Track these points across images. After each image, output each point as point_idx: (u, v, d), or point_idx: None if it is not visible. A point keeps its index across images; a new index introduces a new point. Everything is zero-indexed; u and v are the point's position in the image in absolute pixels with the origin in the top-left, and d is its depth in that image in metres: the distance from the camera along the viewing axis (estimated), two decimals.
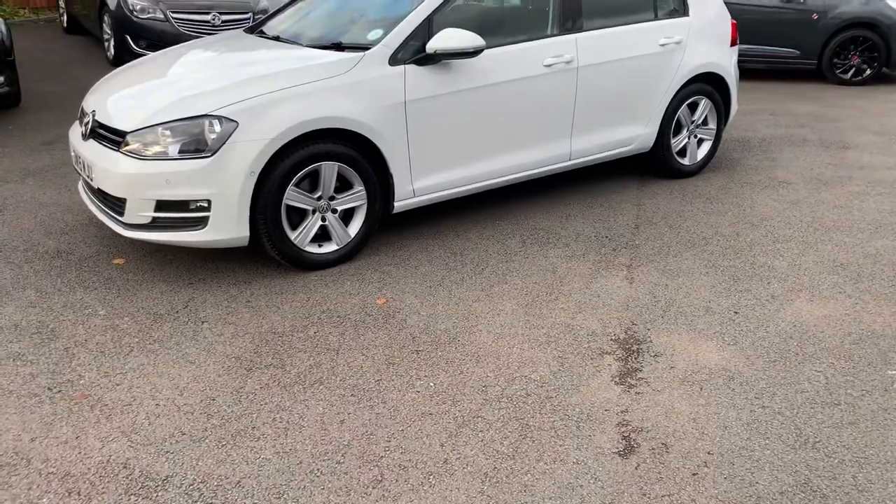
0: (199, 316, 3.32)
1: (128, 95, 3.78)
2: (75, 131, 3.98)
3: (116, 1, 8.34)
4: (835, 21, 8.72)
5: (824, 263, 3.89)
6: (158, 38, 8.12)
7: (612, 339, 3.14)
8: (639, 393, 2.76)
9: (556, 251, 4.02)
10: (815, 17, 8.77)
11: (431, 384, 2.81)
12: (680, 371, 2.91)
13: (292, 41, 4.19)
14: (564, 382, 2.82)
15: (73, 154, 3.94)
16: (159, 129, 3.44)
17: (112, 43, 8.57)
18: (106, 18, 8.65)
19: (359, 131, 3.65)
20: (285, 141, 3.46)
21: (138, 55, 7.68)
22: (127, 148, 3.47)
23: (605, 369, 2.92)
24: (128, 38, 8.30)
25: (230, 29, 7.83)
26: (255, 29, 4.72)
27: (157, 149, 3.42)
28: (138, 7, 8.23)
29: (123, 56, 8.15)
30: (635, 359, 2.99)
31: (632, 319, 3.31)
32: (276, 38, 4.32)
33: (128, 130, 3.49)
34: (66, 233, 4.17)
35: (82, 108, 4.01)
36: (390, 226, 4.31)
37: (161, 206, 3.44)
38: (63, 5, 11.04)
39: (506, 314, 3.34)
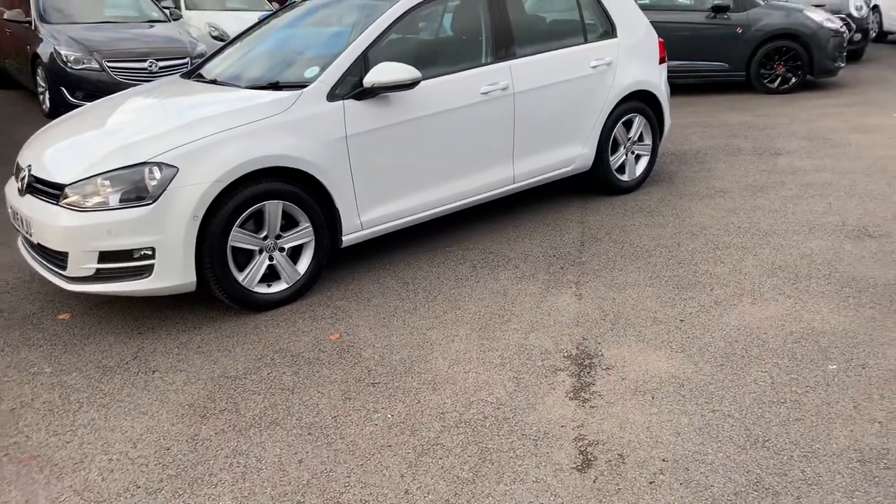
0: (150, 365, 3.27)
1: (64, 147, 3.73)
2: (11, 187, 3.91)
3: (50, 52, 8.23)
4: (759, 34, 9.08)
5: (763, 267, 4.02)
6: (95, 88, 8.02)
7: (564, 356, 3.18)
8: (593, 407, 2.81)
9: (507, 273, 4.07)
10: (739, 30, 9.12)
11: (389, 415, 2.81)
12: (631, 382, 2.97)
13: (230, 83, 4.20)
14: (521, 402, 2.86)
15: (10, 210, 3.87)
16: (98, 179, 3.41)
17: (47, 95, 8.44)
18: (39, 71, 8.53)
19: (301, 168, 3.67)
20: (227, 183, 3.46)
21: (75, 106, 7.58)
22: (66, 201, 3.42)
23: (560, 386, 2.96)
24: (63, 89, 8.18)
25: (168, 75, 7.80)
26: (193, 73, 4.71)
27: (97, 199, 3.38)
28: (72, 58, 8.14)
29: (59, 108, 8.03)
30: (588, 373, 3.04)
31: (582, 335, 3.37)
32: (214, 81, 4.32)
33: (66, 183, 3.45)
34: (6, 292, 4.08)
35: (17, 164, 3.95)
36: (341, 259, 4.32)
37: (104, 257, 3.40)
38: None
39: (460, 339, 3.37)
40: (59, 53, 8.16)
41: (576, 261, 4.21)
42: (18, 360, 3.35)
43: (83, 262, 3.41)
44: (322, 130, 3.75)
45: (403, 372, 3.11)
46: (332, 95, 3.81)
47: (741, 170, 5.92)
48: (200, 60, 5.06)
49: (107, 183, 3.40)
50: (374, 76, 3.81)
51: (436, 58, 4.28)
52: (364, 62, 3.92)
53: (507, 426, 2.71)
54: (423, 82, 4.02)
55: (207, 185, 3.40)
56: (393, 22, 4.06)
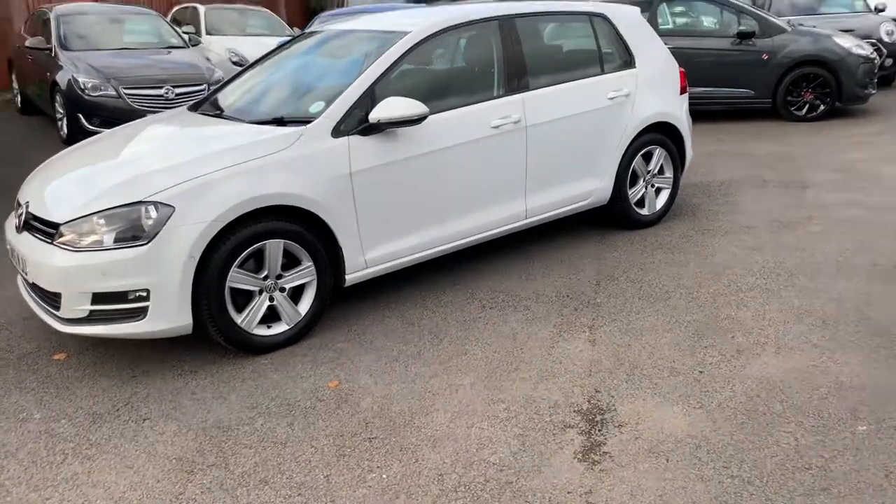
0: (141, 413, 3.14)
1: (61, 184, 3.65)
2: (10, 223, 3.83)
3: (67, 80, 8.26)
4: (786, 60, 8.87)
5: (789, 312, 3.81)
6: (111, 115, 8.03)
7: (574, 411, 3.00)
8: (603, 470, 2.62)
9: (517, 315, 3.90)
10: (765, 57, 8.91)
11: (384, 476, 2.64)
12: (645, 442, 2.77)
13: (234, 118, 4.10)
14: (525, 464, 2.67)
15: (8, 247, 3.78)
16: (93, 218, 3.31)
17: (65, 122, 8.46)
18: (58, 97, 8.56)
19: (303, 206, 3.55)
20: (225, 223, 3.34)
21: (91, 133, 7.57)
22: (60, 240, 3.32)
23: (568, 445, 2.77)
24: (80, 116, 8.20)
25: (185, 102, 7.77)
26: (199, 106, 4.63)
27: (91, 239, 3.28)
28: (89, 85, 8.16)
29: (76, 135, 8.03)
30: (599, 431, 2.85)
31: (595, 386, 3.18)
32: (218, 115, 4.23)
33: (60, 222, 3.35)
34: (5, 328, 3.99)
35: (17, 200, 3.87)
36: (345, 298, 4.17)
37: (98, 298, 3.29)
38: (17, 86, 10.96)
39: (464, 389, 3.20)
40: (77, 80, 8.19)
41: (591, 302, 4.03)
42: (9, 404, 3.24)
43: (76, 304, 3.30)
44: (326, 167, 3.62)
45: (402, 425, 2.95)
46: (337, 131, 3.69)
47: (767, 203, 5.70)
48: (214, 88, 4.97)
49: (101, 222, 3.29)
50: (380, 112, 3.68)
51: (445, 91, 4.15)
52: (371, 97, 3.80)
53: (509, 492, 2.53)
54: (431, 116, 3.89)
55: (205, 226, 3.28)
56: (402, 55, 3.95)
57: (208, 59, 9.81)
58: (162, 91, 8.34)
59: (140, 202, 3.29)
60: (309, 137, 3.63)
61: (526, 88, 4.39)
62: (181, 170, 3.40)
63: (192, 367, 3.50)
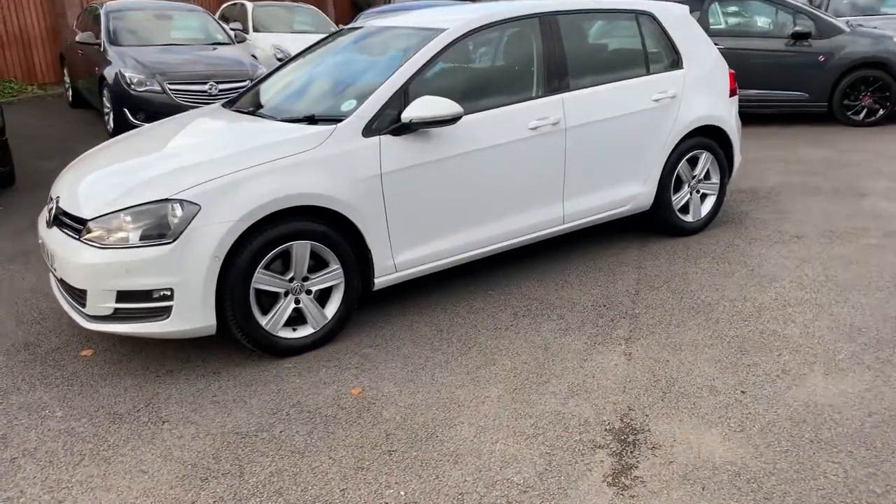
0: (161, 415, 3.08)
1: (91, 180, 3.62)
2: (43, 218, 3.83)
3: (114, 75, 8.35)
4: (843, 62, 8.51)
5: (840, 329, 3.58)
6: (157, 110, 8.08)
7: (606, 429, 2.85)
8: (633, 496, 2.47)
9: (550, 324, 3.75)
10: (821, 59, 8.56)
11: (402, 493, 2.53)
12: (680, 467, 2.61)
13: (266, 115, 4.03)
14: (551, 485, 2.53)
15: (40, 242, 3.78)
16: (120, 215, 3.27)
17: (111, 116, 8.56)
18: (105, 92, 8.67)
19: (332, 207, 3.46)
20: (252, 222, 3.27)
21: (136, 127, 7.64)
22: (87, 236, 3.29)
23: (597, 467, 2.62)
24: (126, 111, 8.28)
25: (229, 98, 7.79)
26: (234, 102, 4.59)
27: (117, 236, 3.24)
28: (135, 80, 8.23)
29: (122, 129, 8.12)
30: (631, 453, 2.69)
31: (629, 404, 3.02)
32: (251, 113, 4.17)
33: (88, 218, 3.32)
34: (38, 322, 3.99)
35: (50, 194, 3.86)
36: (374, 301, 4.08)
37: (122, 296, 3.25)
38: (68, 80, 11.16)
39: (491, 402, 3.07)
40: (123, 75, 8.27)
41: (628, 313, 3.86)
42: (33, 400, 3.22)
43: (102, 301, 3.27)
44: (356, 167, 3.53)
45: (425, 438, 2.83)
46: (369, 131, 3.59)
47: (819, 212, 5.44)
48: (249, 85, 4.93)
49: (128, 219, 3.25)
50: (413, 111, 3.57)
51: (482, 90, 4.02)
52: (404, 96, 3.69)
53: None
54: (466, 117, 3.77)
55: (231, 225, 3.22)
56: (437, 53, 3.83)
57: (254, 56, 9.84)
58: (206, 87, 8.37)
59: (167, 199, 3.24)
60: (339, 137, 3.54)
61: (566, 89, 4.23)
62: (208, 168, 3.34)
63: (216, 369, 3.45)
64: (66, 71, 11.40)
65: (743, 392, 3.07)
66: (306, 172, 3.42)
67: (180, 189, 3.25)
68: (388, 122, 3.64)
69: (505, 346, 3.55)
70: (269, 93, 4.44)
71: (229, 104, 4.58)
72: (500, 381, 3.23)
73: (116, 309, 3.27)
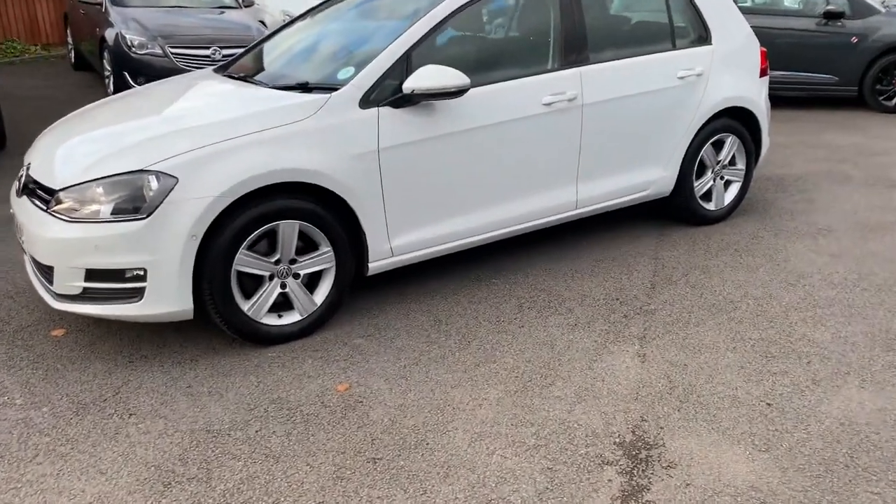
0: (129, 406, 2.82)
1: (64, 147, 3.33)
2: (14, 186, 3.55)
3: (115, 36, 8.04)
4: (877, 44, 8.08)
5: (876, 335, 3.27)
6: (157, 74, 7.73)
7: (615, 443, 2.56)
8: None
9: (558, 319, 3.46)
10: (854, 40, 8.13)
11: None
12: (698, 490, 2.32)
13: (258, 82, 3.72)
14: None
15: (11, 212, 3.51)
16: (92, 186, 2.98)
17: (111, 80, 8.26)
18: (105, 54, 8.36)
19: (322, 184, 3.16)
20: (233, 199, 2.98)
21: None
22: (56, 208, 3.01)
23: (605, 488, 2.34)
24: (126, 74, 7.97)
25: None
26: (227, 67, 4.27)
27: (87, 209, 2.96)
28: (136, 42, 7.91)
29: None
30: (643, 472, 2.41)
31: (642, 413, 2.73)
32: (243, 79, 3.85)
33: (57, 188, 3.04)
34: (10, 296, 3.73)
35: (24, 160, 3.59)
36: (370, 287, 3.79)
37: (91, 275, 2.97)
38: (71, 42, 10.85)
39: (489, 405, 2.79)
40: (124, 37, 7.96)
41: (643, 308, 3.56)
42: None
43: (69, 280, 3.00)
44: (350, 141, 3.22)
45: (413, 445, 2.55)
46: (366, 102, 3.28)
47: (850, 203, 5.09)
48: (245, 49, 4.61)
49: (99, 191, 2.97)
50: (415, 81, 3.25)
51: (492, 61, 3.69)
52: (406, 64, 3.37)
53: None
54: (474, 89, 3.46)
55: (210, 201, 2.93)
56: (443, 19, 3.50)
57: (262, 22, 9.48)
58: (209, 52, 8.04)
59: (141, 171, 2.95)
60: (333, 107, 3.23)
61: (585, 62, 3.89)
62: (188, 137, 3.05)
63: (194, 355, 3.18)
64: (69, 32, 11.08)
65: (768, 404, 2.77)
66: (295, 145, 3.12)
67: (156, 160, 2.96)
68: (389, 93, 3.33)
69: (507, 341, 3.26)
70: (265, 58, 4.13)
71: (221, 69, 4.26)
72: (500, 381, 2.95)
73: (85, 288, 3.01)
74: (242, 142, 3.04)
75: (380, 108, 3.30)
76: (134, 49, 7.94)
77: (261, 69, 3.95)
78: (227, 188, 2.95)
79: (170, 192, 2.91)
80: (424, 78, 3.25)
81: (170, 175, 2.93)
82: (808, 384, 2.90)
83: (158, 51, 7.94)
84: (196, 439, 2.61)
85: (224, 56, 8.05)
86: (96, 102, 4.03)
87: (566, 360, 3.09)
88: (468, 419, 2.70)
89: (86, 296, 3.02)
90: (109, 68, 8.30)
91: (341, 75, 3.43)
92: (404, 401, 2.82)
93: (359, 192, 3.26)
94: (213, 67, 4.36)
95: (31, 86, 9.51)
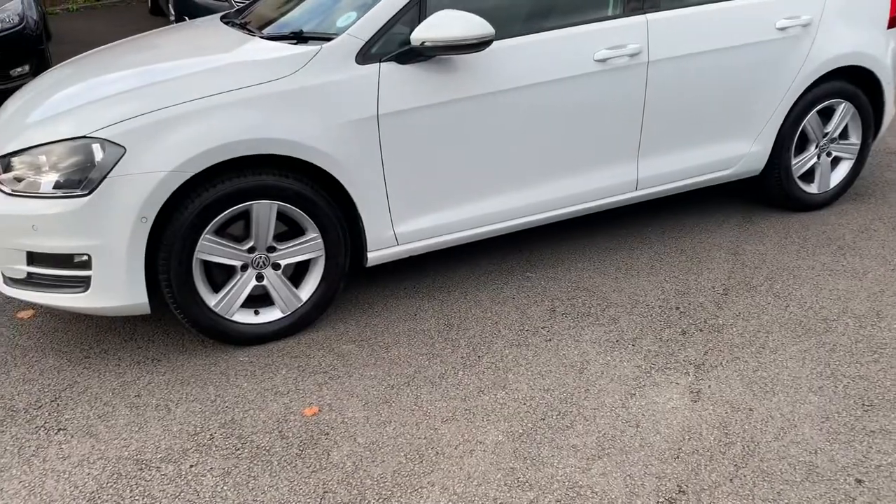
0: (61, 419, 2.39)
1: (22, 108, 2.88)
2: None
3: None
4: None
5: None
6: None
7: None
8: None
9: (596, 331, 2.79)
10: None
11: None
12: None
13: (255, 31, 3.15)
14: None
15: None
16: (34, 153, 2.53)
17: (175, 23, 7.94)
18: None
19: (305, 158, 2.59)
20: (191, 174, 2.45)
21: None
22: (0, 177, 2.58)
23: None
24: (186, 18, 7.62)
25: None
26: (242, 13, 3.72)
27: (27, 181, 2.51)
28: None
29: None
30: None
31: (681, 480, 2.06)
32: (242, 27, 3.29)
33: (1, 154, 2.60)
34: None
35: None
36: (381, 275, 3.23)
37: (34, 258, 2.54)
38: None
39: (483, 451, 2.19)
40: None
41: (708, 322, 2.83)
42: None
43: (12, 262, 2.58)
44: (342, 105, 2.62)
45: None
46: (366, 55, 2.66)
47: None
48: None
49: (42, 159, 2.51)
50: (426, 31, 2.60)
51: (528, 5, 2.95)
52: (419, 8, 2.72)
53: None
54: (505, 41, 2.79)
55: (162, 176, 2.42)
56: None
57: None
58: None
59: (84, 137, 2.45)
60: (323, 61, 2.63)
61: (654, 8, 3.11)
62: (145, 97, 2.53)
63: (157, 354, 2.73)
64: None
65: (859, 482, 2.04)
66: (272, 109, 2.55)
67: (102, 125, 2.46)
68: (395, 45, 2.69)
69: (526, 359, 2.63)
70: (277, 4, 3.54)
71: (236, 15, 3.71)
72: (504, 417, 2.33)
73: (30, 273, 2.59)
74: (205, 104, 2.49)
75: (382, 64, 2.67)
76: None
77: (265, 17, 3.37)
78: (182, 161, 2.43)
79: (115, 164, 2.42)
80: (437, 27, 2.59)
81: (115, 143, 2.43)
82: None
83: None
84: (118, 471, 2.14)
85: None
86: (84, 54, 3.59)
87: (595, 392, 2.44)
88: (451, 472, 2.11)
89: (31, 281, 2.61)
90: (173, 13, 8.02)
91: (341, 22, 2.81)
92: (379, 437, 2.26)
93: (352, 168, 2.67)
94: (220, 15, 3.83)
95: (99, 31, 9.33)
